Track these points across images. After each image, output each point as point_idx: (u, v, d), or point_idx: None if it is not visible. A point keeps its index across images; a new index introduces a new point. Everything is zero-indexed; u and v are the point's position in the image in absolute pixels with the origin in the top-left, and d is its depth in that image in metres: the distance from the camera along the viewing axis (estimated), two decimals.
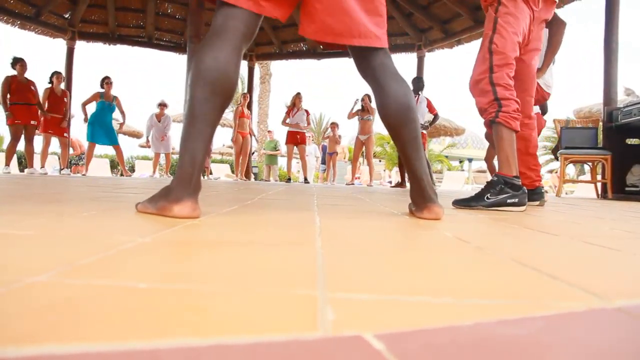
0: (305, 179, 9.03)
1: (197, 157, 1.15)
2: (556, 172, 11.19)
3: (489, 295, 0.50)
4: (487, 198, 2.11)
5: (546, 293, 0.52)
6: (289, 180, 9.08)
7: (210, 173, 10.68)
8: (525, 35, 2.26)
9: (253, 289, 0.47)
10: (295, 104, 8.81)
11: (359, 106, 8.60)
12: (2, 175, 5.64)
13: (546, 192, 5.26)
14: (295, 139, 8.84)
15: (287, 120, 8.92)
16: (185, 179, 1.13)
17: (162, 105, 9.24)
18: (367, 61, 1.43)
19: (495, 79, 2.11)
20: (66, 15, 9.98)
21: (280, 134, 9.45)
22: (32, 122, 7.01)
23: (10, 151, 7.01)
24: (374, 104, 8.59)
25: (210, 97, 1.15)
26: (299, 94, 8.89)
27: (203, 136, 1.16)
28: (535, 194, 2.71)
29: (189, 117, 1.16)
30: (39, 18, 9.49)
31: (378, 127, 10.65)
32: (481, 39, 2.30)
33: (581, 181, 9.18)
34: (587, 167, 7.22)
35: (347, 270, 0.60)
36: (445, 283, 0.55)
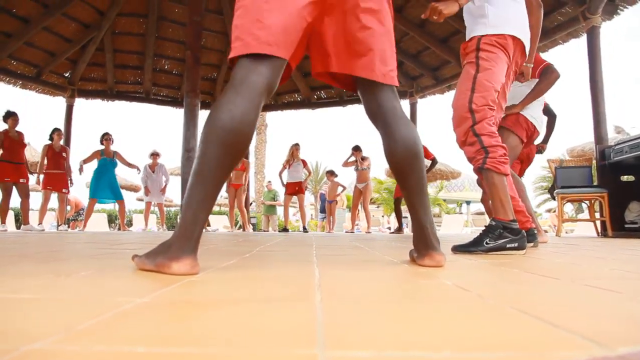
0: (304, 228, 8.97)
1: (200, 216, 1.12)
2: (555, 212, 11.19)
3: (490, 347, 0.50)
4: (487, 243, 2.10)
5: (547, 342, 0.52)
6: (285, 229, 9.02)
7: (209, 225, 10.62)
8: (502, 86, 2.28)
9: (253, 350, 0.47)
10: (293, 154, 8.87)
11: (353, 159, 8.76)
12: None
13: (546, 231, 5.23)
14: (294, 189, 8.87)
15: (284, 172, 8.97)
16: (186, 236, 1.11)
17: (155, 155, 9.23)
18: (378, 102, 1.42)
19: (479, 130, 2.15)
20: (66, 74, 10.24)
21: (278, 184, 9.44)
22: (22, 181, 6.92)
23: (3, 208, 6.92)
24: (367, 153, 8.76)
25: (222, 157, 1.13)
26: (297, 145, 8.93)
27: (209, 195, 1.13)
28: (529, 236, 2.70)
29: (197, 175, 1.12)
30: (40, 78, 9.72)
31: (374, 172, 10.73)
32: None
33: (580, 220, 9.17)
34: (584, 205, 7.23)
35: (347, 325, 0.60)
36: (445, 336, 0.54)
